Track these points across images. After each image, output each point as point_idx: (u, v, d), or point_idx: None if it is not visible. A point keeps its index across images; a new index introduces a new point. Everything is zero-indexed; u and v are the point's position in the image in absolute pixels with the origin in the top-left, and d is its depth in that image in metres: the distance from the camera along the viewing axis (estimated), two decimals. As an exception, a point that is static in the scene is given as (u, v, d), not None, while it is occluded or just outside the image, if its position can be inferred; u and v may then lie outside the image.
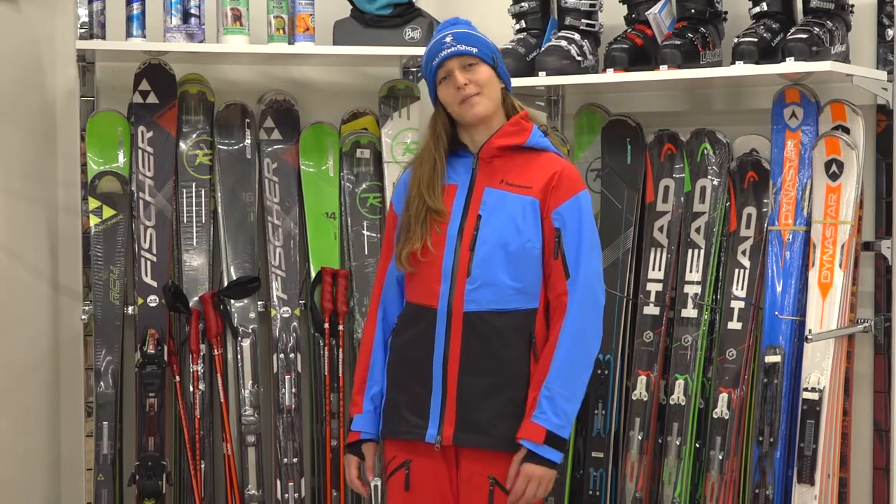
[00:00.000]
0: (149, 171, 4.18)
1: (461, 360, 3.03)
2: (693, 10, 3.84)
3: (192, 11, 4.06)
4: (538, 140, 3.11)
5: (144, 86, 4.18)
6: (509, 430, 3.01)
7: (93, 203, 4.11)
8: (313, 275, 4.24)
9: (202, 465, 4.11)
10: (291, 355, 4.19)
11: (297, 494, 4.17)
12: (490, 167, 3.10)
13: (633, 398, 3.96)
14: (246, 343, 4.16)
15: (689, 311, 3.91)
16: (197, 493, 4.08)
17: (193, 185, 4.23)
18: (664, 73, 3.77)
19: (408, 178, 3.19)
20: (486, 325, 3.03)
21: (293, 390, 4.17)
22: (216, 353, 4.13)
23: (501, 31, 4.19)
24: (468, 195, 3.09)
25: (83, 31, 4.02)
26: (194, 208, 4.22)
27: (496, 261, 3.02)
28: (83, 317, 4.08)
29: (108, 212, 4.12)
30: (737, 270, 3.86)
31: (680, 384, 3.89)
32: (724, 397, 3.80)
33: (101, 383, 4.06)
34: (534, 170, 3.07)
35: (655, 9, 3.87)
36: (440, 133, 3.14)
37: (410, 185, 3.15)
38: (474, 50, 3.08)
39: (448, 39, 3.09)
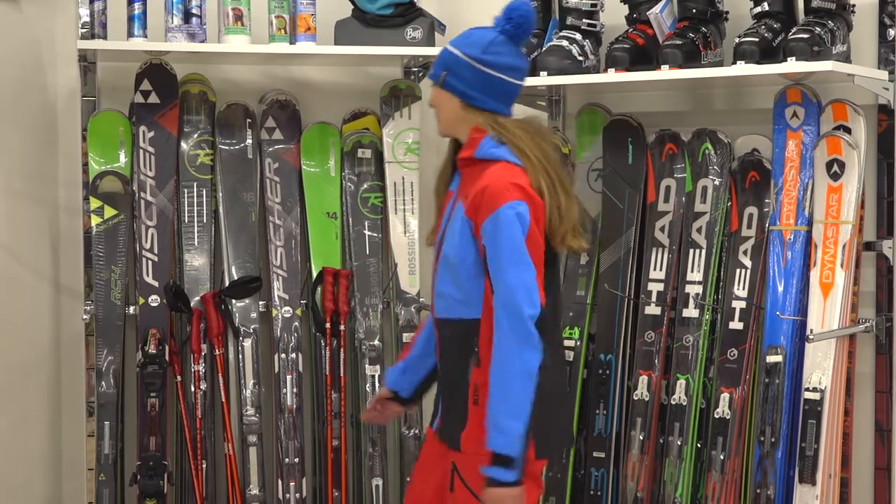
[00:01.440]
0: (150, 170, 4.18)
1: (441, 360, 3.21)
2: (694, 10, 3.84)
3: (194, 11, 4.06)
4: (487, 151, 3.07)
5: (146, 86, 4.18)
6: (453, 430, 3.11)
7: (94, 203, 4.11)
8: (314, 275, 4.24)
9: (203, 465, 4.11)
10: (293, 355, 4.19)
11: (298, 494, 4.17)
12: (463, 179, 3.14)
13: (635, 398, 3.96)
14: (247, 343, 4.16)
15: (691, 311, 3.91)
16: (198, 493, 4.08)
17: (195, 184, 4.23)
18: (665, 72, 3.77)
19: None
20: (447, 332, 3.15)
21: (294, 390, 4.17)
22: (217, 352, 4.13)
23: (503, 30, 4.19)
24: (451, 205, 3.15)
25: (84, 30, 4.02)
26: (195, 208, 4.22)
27: (443, 272, 3.12)
28: (84, 316, 4.08)
29: (109, 211, 4.12)
30: (738, 270, 3.86)
31: (681, 384, 3.89)
32: (725, 397, 3.80)
33: (103, 383, 4.06)
34: (475, 183, 3.04)
35: (657, 9, 3.87)
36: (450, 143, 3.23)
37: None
38: (431, 72, 3.16)
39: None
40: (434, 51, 4.17)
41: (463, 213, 3.06)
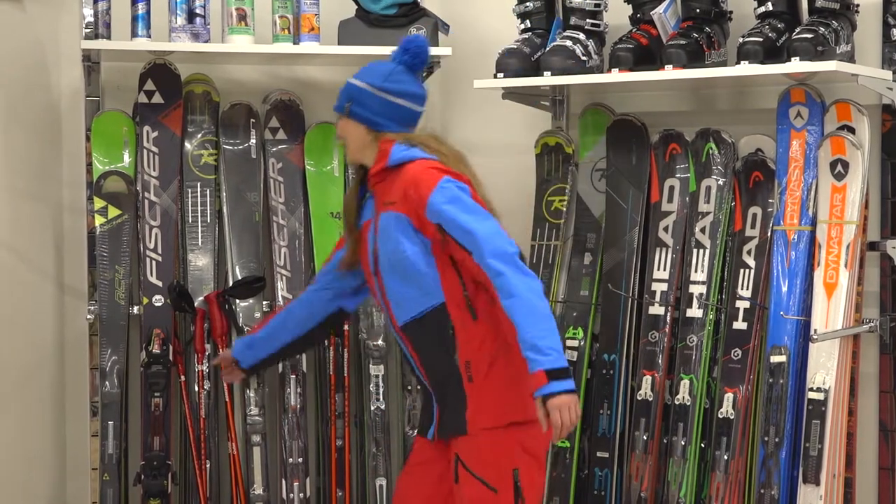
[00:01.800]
0: (154, 170, 4.18)
1: (423, 365, 3.31)
2: (698, 10, 3.84)
3: (198, 11, 4.06)
4: (399, 157, 3.26)
5: (149, 86, 4.18)
6: (454, 419, 3.23)
7: (98, 203, 4.11)
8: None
9: (207, 465, 4.12)
10: (297, 355, 4.19)
11: (302, 494, 4.17)
12: (377, 194, 3.33)
13: (639, 398, 3.96)
14: (251, 343, 4.15)
15: (695, 311, 3.91)
16: (202, 493, 4.08)
17: (198, 184, 4.23)
18: (669, 72, 3.76)
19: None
20: (417, 333, 3.27)
21: (298, 390, 4.17)
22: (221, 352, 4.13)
23: (506, 30, 4.20)
24: (374, 226, 3.32)
25: (88, 30, 4.02)
26: (199, 208, 4.22)
27: (393, 279, 3.27)
28: (88, 316, 4.09)
29: (113, 211, 4.12)
30: (742, 270, 3.86)
31: (685, 384, 3.89)
32: (729, 397, 3.80)
33: (107, 383, 4.06)
34: (397, 185, 3.24)
35: (660, 9, 3.87)
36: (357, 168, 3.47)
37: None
38: (336, 105, 3.40)
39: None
40: (437, 51, 4.17)
41: (395, 214, 3.23)
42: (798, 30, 3.61)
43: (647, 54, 3.89)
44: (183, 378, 4.10)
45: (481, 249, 3.10)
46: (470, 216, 3.14)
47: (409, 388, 4.25)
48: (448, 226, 3.15)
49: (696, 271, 3.92)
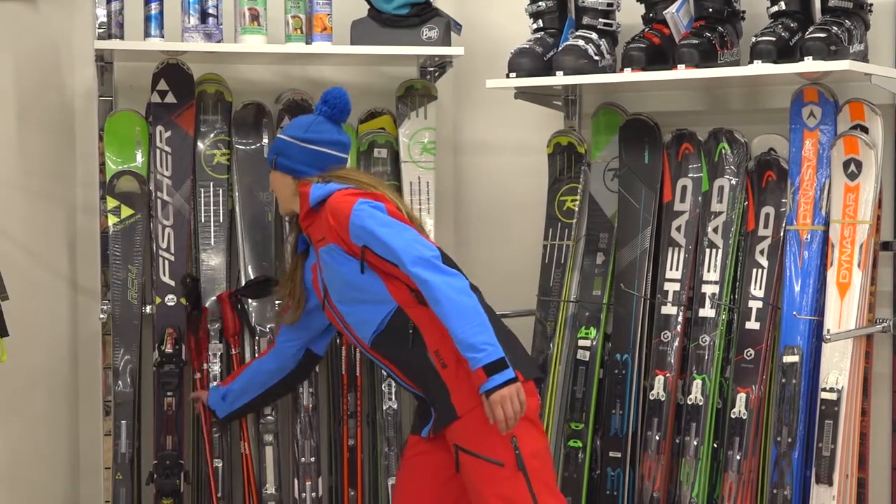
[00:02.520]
0: (167, 170, 4.19)
1: (406, 375, 3.47)
2: (711, 10, 3.83)
3: (210, 11, 4.07)
4: (318, 195, 3.48)
5: (162, 85, 4.19)
6: (443, 408, 3.38)
7: (111, 202, 4.12)
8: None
9: (220, 464, 4.12)
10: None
11: (314, 493, 4.17)
12: (312, 238, 3.56)
13: (651, 398, 3.96)
14: (264, 342, 4.16)
15: (707, 311, 3.91)
16: (214, 493, 4.09)
17: (211, 184, 4.24)
18: (682, 72, 3.76)
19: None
20: (385, 345, 3.46)
21: (311, 390, 4.17)
22: (234, 352, 4.13)
23: (519, 30, 4.20)
24: (318, 266, 3.55)
25: (101, 31, 4.03)
26: (212, 208, 4.22)
27: (348, 303, 3.49)
28: (101, 316, 4.09)
29: (126, 211, 4.13)
30: (755, 270, 3.85)
31: (698, 384, 3.88)
32: (741, 397, 3.80)
33: (119, 382, 4.07)
34: (322, 222, 3.46)
35: (673, 8, 3.87)
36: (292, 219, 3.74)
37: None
38: (267, 159, 3.71)
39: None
40: (450, 50, 4.18)
41: (327, 247, 3.45)
42: (811, 29, 3.60)
43: (659, 54, 3.89)
44: (198, 375, 4.10)
45: (402, 260, 3.28)
46: (386, 229, 3.34)
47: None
48: (371, 244, 3.35)
49: (708, 271, 3.92)
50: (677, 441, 3.94)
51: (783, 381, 3.70)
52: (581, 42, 3.98)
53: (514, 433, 3.26)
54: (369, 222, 3.36)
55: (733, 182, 3.91)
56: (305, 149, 3.58)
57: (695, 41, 3.77)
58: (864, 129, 3.67)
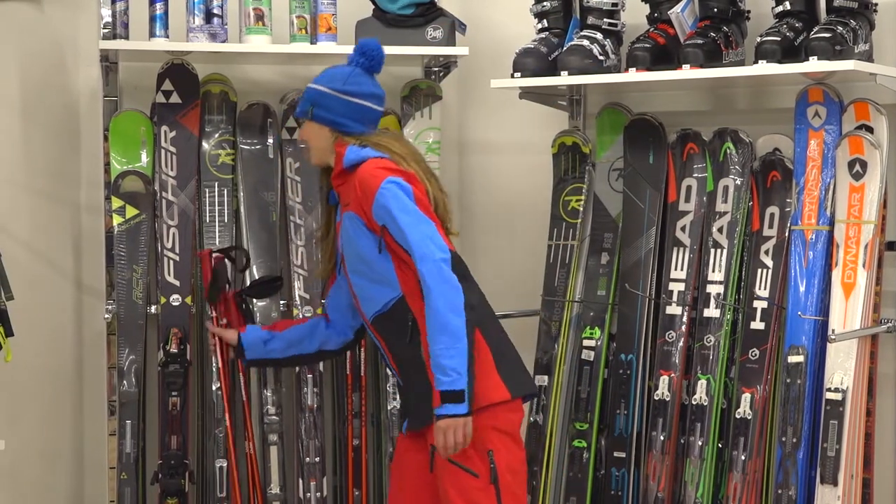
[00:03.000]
0: (171, 170, 4.19)
1: (394, 359, 3.48)
2: (716, 9, 3.83)
3: (215, 11, 4.07)
4: (352, 157, 3.41)
5: (167, 86, 4.19)
6: (423, 408, 3.31)
7: (116, 202, 4.12)
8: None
9: (224, 464, 4.12)
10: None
11: (319, 493, 4.17)
12: (341, 198, 3.50)
13: (656, 398, 3.96)
14: (268, 342, 4.16)
15: (712, 311, 3.90)
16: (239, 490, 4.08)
17: (216, 184, 4.24)
18: (687, 72, 3.76)
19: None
20: (384, 326, 3.44)
21: (315, 389, 4.17)
22: (238, 352, 4.13)
23: (523, 30, 4.20)
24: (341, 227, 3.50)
25: (106, 31, 4.03)
26: (217, 208, 4.23)
27: (360, 275, 3.44)
28: (106, 316, 4.10)
29: (131, 211, 4.13)
30: (759, 270, 3.85)
31: (702, 384, 3.88)
32: (746, 397, 3.79)
33: (124, 382, 4.07)
34: (352, 186, 3.39)
35: (678, 8, 3.87)
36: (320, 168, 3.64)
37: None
38: (298, 111, 3.58)
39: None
40: (454, 50, 4.18)
41: (351, 214, 3.39)
42: (816, 29, 3.60)
43: (664, 54, 3.89)
44: (220, 364, 4.06)
45: (413, 253, 3.26)
46: (407, 217, 3.29)
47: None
48: (389, 227, 3.31)
49: (713, 271, 3.92)
50: (682, 441, 3.94)
51: (788, 381, 3.69)
52: (586, 42, 3.98)
53: (492, 446, 3.27)
54: (393, 204, 3.30)
55: (738, 182, 3.91)
56: (345, 101, 3.49)
57: (700, 41, 3.76)
58: (869, 129, 3.66)
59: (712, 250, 3.93)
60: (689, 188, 4.00)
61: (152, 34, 4.05)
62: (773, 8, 3.77)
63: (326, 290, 3.87)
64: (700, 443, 3.87)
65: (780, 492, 3.70)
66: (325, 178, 3.61)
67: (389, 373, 3.57)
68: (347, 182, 3.42)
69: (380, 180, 3.32)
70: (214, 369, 4.05)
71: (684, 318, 3.95)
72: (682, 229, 3.99)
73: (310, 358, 3.87)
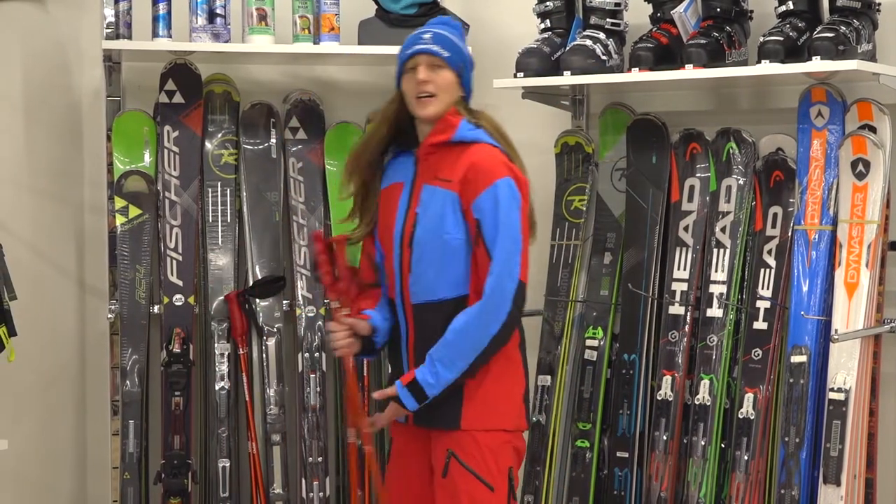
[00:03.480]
0: (174, 170, 4.19)
1: (415, 350, 3.24)
2: (719, 9, 3.83)
3: (218, 11, 4.07)
4: (465, 134, 3.19)
5: (170, 85, 4.20)
6: (446, 411, 3.18)
7: (119, 202, 4.12)
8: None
9: (227, 464, 4.13)
10: (316, 354, 4.20)
11: (321, 493, 4.18)
12: (427, 164, 3.22)
13: (659, 398, 3.95)
14: (271, 342, 4.17)
15: (715, 311, 3.90)
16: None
17: (219, 184, 4.24)
18: (689, 72, 3.76)
19: None
20: (428, 315, 3.20)
21: (318, 389, 4.18)
22: (241, 352, 4.14)
23: (526, 30, 4.20)
24: (410, 193, 3.23)
25: (109, 31, 4.04)
26: (220, 208, 4.23)
27: (426, 256, 3.18)
28: (109, 316, 4.10)
29: (134, 211, 4.14)
30: (762, 270, 3.85)
31: (705, 384, 3.88)
32: (749, 397, 3.79)
33: (127, 382, 4.08)
34: (458, 164, 3.16)
35: (681, 8, 3.86)
36: (390, 116, 3.27)
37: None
38: (445, 54, 3.20)
39: (426, 36, 3.22)
40: (457, 50, 4.17)
41: (450, 193, 3.15)
42: (819, 29, 3.60)
43: (667, 53, 3.89)
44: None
45: (493, 261, 3.10)
46: (506, 229, 3.11)
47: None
48: (484, 224, 3.12)
49: (716, 271, 3.92)
50: (685, 441, 3.94)
51: (791, 381, 3.69)
52: (589, 42, 3.98)
53: (511, 464, 3.22)
54: (502, 205, 3.11)
55: (741, 182, 3.91)
56: (471, 64, 3.28)
57: (703, 41, 3.76)
58: (872, 129, 3.66)
59: (715, 250, 3.93)
60: (692, 188, 4.00)
61: (155, 34, 4.06)
62: (775, 8, 3.76)
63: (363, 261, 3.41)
64: (703, 443, 3.87)
65: (783, 492, 3.69)
66: (388, 132, 3.28)
67: (391, 364, 3.34)
68: (446, 155, 3.18)
69: (498, 175, 3.13)
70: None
71: (687, 318, 3.95)
72: (685, 229, 3.99)
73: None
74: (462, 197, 3.14)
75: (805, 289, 3.72)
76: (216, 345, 4.15)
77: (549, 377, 4.14)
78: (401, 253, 3.23)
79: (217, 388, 4.13)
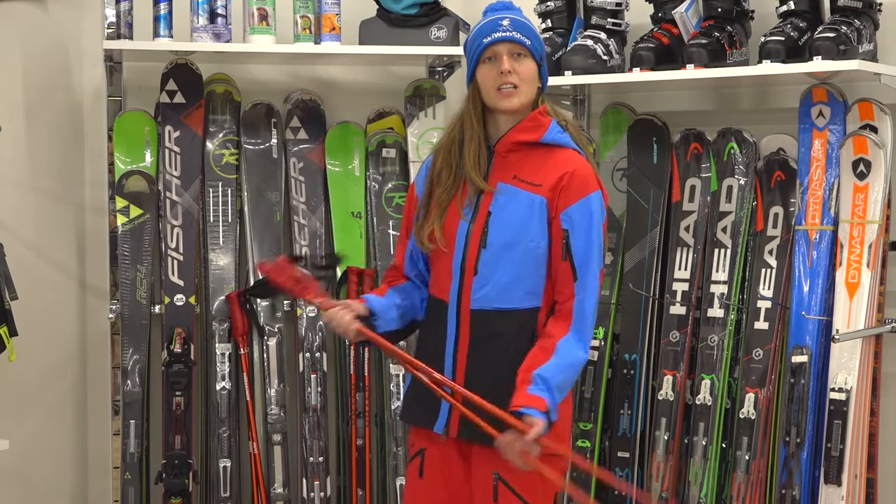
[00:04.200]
0: (175, 170, 4.19)
1: (468, 357, 2.99)
2: (720, 9, 3.83)
3: (219, 11, 4.07)
4: (555, 136, 2.99)
5: (171, 85, 4.20)
6: (509, 426, 2.89)
7: (120, 202, 4.12)
8: (339, 274, 4.25)
9: (228, 464, 4.13)
10: (317, 354, 4.20)
11: (322, 493, 4.18)
12: (505, 162, 3.00)
13: (659, 398, 3.96)
14: (272, 342, 4.17)
15: (716, 311, 3.90)
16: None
17: (220, 184, 4.24)
18: (691, 72, 3.76)
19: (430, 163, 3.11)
20: (492, 323, 2.98)
21: (319, 389, 4.18)
22: (242, 352, 4.14)
23: (527, 30, 4.19)
24: (481, 190, 2.99)
25: (110, 31, 4.04)
26: (221, 207, 4.23)
27: (502, 260, 2.96)
28: (110, 316, 4.10)
29: (135, 211, 4.14)
30: (763, 270, 3.85)
31: (706, 384, 3.88)
32: (750, 397, 3.79)
33: (128, 382, 4.08)
34: (547, 167, 2.96)
35: (682, 7, 3.87)
36: (480, 112, 3.02)
37: (438, 169, 3.06)
38: (528, 42, 2.97)
39: (505, 23, 2.98)
40: (458, 50, 4.17)
41: (538, 197, 2.94)
42: (820, 29, 3.60)
43: (668, 53, 3.89)
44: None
45: (578, 275, 2.92)
46: (598, 246, 2.95)
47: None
48: (574, 239, 2.93)
49: (717, 271, 3.92)
50: (685, 441, 3.94)
51: (792, 381, 3.69)
52: (590, 42, 3.98)
53: (558, 489, 3.06)
54: (596, 221, 2.93)
55: (742, 182, 3.91)
56: (545, 54, 3.06)
57: (704, 41, 3.76)
58: (874, 129, 3.66)
59: (716, 250, 3.93)
60: (692, 188, 4.00)
61: (156, 34, 4.06)
62: (777, 7, 3.77)
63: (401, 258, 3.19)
64: (704, 443, 3.87)
65: (783, 492, 3.69)
66: (477, 132, 3.01)
67: (423, 363, 3.00)
68: (529, 155, 2.97)
69: (592, 188, 2.94)
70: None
71: (688, 318, 3.95)
72: (686, 229, 3.99)
73: (415, 326, 3.19)
74: (550, 204, 2.94)
75: (806, 289, 3.72)
76: (217, 345, 4.15)
77: (550, 377, 4.14)
78: (465, 253, 2.99)
79: (218, 388, 4.13)
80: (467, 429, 2.96)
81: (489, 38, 2.97)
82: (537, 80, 3.01)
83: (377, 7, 4.23)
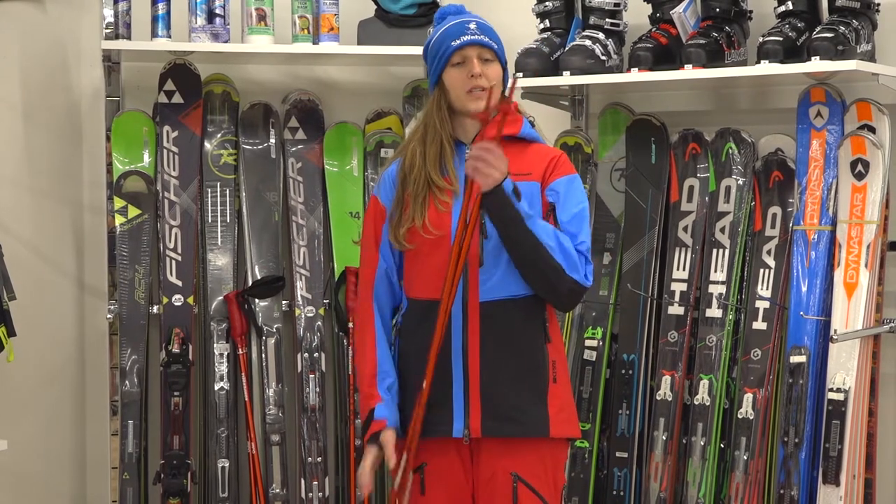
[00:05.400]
0: (174, 170, 4.19)
1: (482, 352, 2.96)
2: (718, 9, 3.83)
3: (217, 11, 4.07)
4: (529, 131, 3.07)
5: (169, 86, 4.20)
6: (535, 416, 2.96)
7: (118, 202, 4.12)
8: (337, 274, 4.25)
9: (226, 464, 4.13)
10: (315, 355, 4.20)
11: (321, 493, 4.18)
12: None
13: (658, 398, 3.96)
14: (270, 342, 4.17)
15: (714, 311, 3.90)
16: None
17: (218, 184, 4.24)
18: (689, 72, 3.76)
19: (396, 168, 3.09)
20: (502, 314, 2.97)
21: (317, 390, 4.17)
22: (241, 352, 4.14)
23: (525, 30, 4.19)
24: (466, 185, 2.96)
25: (109, 31, 4.04)
26: (219, 208, 4.23)
27: (497, 260, 2.96)
28: (108, 316, 4.11)
29: (133, 211, 4.14)
30: (762, 270, 3.85)
31: (704, 384, 3.88)
32: (748, 397, 3.79)
33: (127, 382, 4.08)
34: (530, 157, 3.02)
35: (680, 8, 3.87)
36: (445, 114, 3.04)
37: (408, 165, 3.05)
38: (495, 46, 3.03)
39: (472, 26, 3.03)
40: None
41: (531, 183, 2.97)
42: (818, 29, 3.60)
43: (666, 54, 3.89)
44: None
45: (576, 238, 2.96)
46: (585, 215, 3.00)
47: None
48: (562, 209, 2.98)
49: (715, 271, 3.92)
50: (684, 441, 3.94)
51: (790, 381, 3.69)
52: (588, 42, 3.98)
53: (563, 483, 3.06)
54: (580, 193, 3.02)
55: (740, 182, 3.91)
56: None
57: (702, 41, 3.76)
58: (872, 129, 3.66)
59: (714, 250, 3.93)
60: (691, 188, 4.00)
61: (154, 34, 4.06)
62: (775, 8, 3.77)
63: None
64: (702, 443, 3.87)
65: (782, 492, 3.70)
66: (445, 132, 3.03)
67: (439, 369, 2.95)
68: (507, 148, 2.92)
69: (574, 171, 3.05)
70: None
71: (686, 319, 3.95)
72: (685, 229, 3.99)
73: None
74: (542, 182, 3.00)
75: (804, 289, 3.73)
76: (215, 345, 4.15)
77: (548, 377, 4.14)
78: (462, 248, 2.95)
79: (216, 388, 4.13)
80: (491, 424, 2.95)
81: (458, 42, 3.00)
82: (500, 73, 3.05)
83: (375, 7, 4.23)
